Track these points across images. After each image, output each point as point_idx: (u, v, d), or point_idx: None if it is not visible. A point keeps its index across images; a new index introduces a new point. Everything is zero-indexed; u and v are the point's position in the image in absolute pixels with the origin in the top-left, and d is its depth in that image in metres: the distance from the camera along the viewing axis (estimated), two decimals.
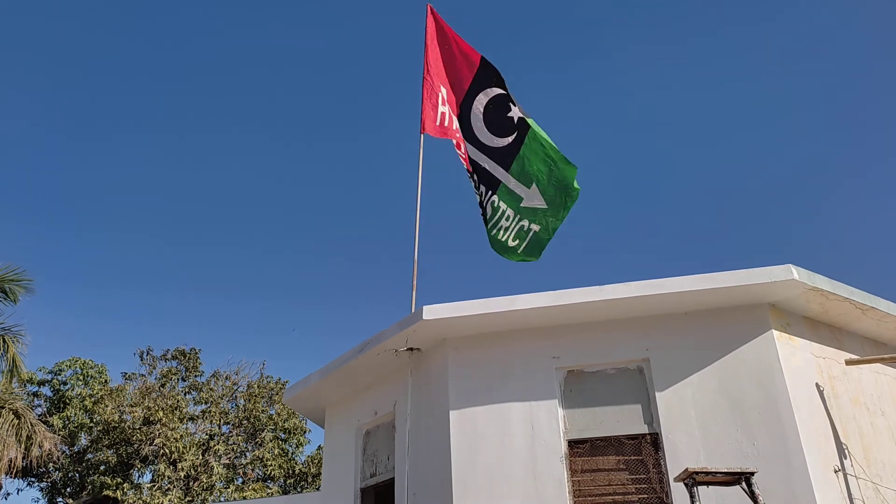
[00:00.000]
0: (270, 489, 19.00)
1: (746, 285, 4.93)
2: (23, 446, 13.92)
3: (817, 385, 5.10)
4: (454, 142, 7.40)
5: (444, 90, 7.46)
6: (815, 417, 4.93)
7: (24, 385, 19.36)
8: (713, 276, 4.97)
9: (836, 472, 4.81)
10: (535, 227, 6.92)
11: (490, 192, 7.16)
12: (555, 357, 5.37)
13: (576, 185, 6.82)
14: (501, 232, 7.09)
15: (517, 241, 7.03)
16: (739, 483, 3.73)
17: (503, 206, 7.09)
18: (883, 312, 5.41)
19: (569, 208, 6.84)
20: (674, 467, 4.70)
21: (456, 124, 7.42)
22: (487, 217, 7.23)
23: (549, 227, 6.89)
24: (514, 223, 7.04)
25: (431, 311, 5.35)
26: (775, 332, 5.06)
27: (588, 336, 5.36)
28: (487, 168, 7.19)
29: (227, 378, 21.91)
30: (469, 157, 7.36)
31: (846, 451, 4.97)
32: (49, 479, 20.12)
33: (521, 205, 7.03)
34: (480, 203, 7.34)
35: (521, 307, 5.23)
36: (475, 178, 7.33)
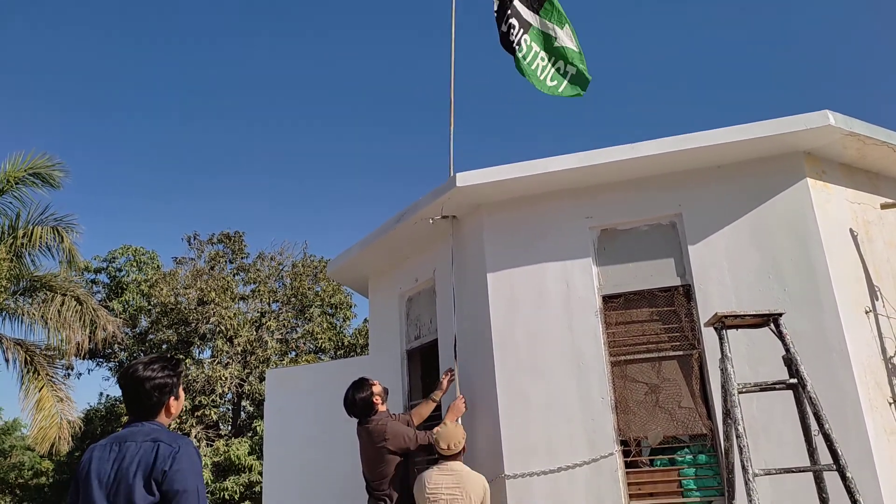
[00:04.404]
0: (322, 359, 20.00)
1: (781, 134, 4.86)
2: (88, 330, 14.74)
3: (851, 230, 5.12)
4: None
5: None
6: (847, 261, 4.98)
7: (82, 273, 20.27)
8: (747, 126, 4.91)
9: (867, 312, 4.92)
10: (571, 69, 6.78)
11: (522, 31, 6.89)
12: (588, 217, 5.45)
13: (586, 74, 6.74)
14: (539, 71, 6.89)
15: (555, 82, 6.86)
16: (767, 325, 3.86)
17: (535, 47, 6.86)
18: None
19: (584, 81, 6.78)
20: (705, 316, 4.84)
21: None
22: (522, 54, 6.93)
23: (582, 68, 6.80)
24: (549, 64, 6.87)
25: (464, 178, 5.42)
26: (810, 181, 5.03)
27: (621, 194, 5.41)
28: (518, 7, 6.90)
29: (272, 259, 22.58)
30: None
31: (878, 292, 5.05)
32: (116, 360, 21.45)
33: (555, 45, 6.83)
34: (509, 37, 7.02)
35: (554, 169, 5.27)
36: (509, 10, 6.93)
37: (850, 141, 5.03)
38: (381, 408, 5.18)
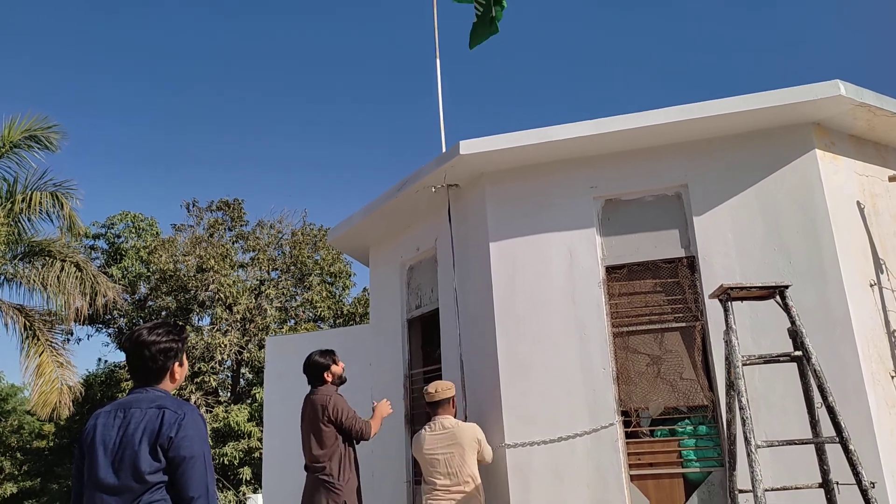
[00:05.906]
0: (321, 328, 20.02)
1: (791, 104, 4.78)
2: (87, 296, 14.69)
3: (858, 203, 5.07)
4: None
5: None
6: (853, 234, 4.94)
7: (80, 239, 20.22)
8: (756, 96, 4.83)
9: (871, 285, 4.89)
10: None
11: None
12: (592, 186, 5.39)
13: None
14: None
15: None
16: (773, 297, 3.83)
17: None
18: None
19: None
20: (709, 288, 4.82)
21: None
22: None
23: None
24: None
25: (468, 146, 5.35)
26: (818, 152, 4.97)
27: (626, 164, 5.34)
28: None
29: (271, 227, 22.50)
30: None
31: (883, 266, 5.02)
32: (115, 325, 21.48)
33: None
34: None
35: (559, 137, 5.20)
36: None
37: (860, 112, 4.96)
38: (330, 386, 5.16)
